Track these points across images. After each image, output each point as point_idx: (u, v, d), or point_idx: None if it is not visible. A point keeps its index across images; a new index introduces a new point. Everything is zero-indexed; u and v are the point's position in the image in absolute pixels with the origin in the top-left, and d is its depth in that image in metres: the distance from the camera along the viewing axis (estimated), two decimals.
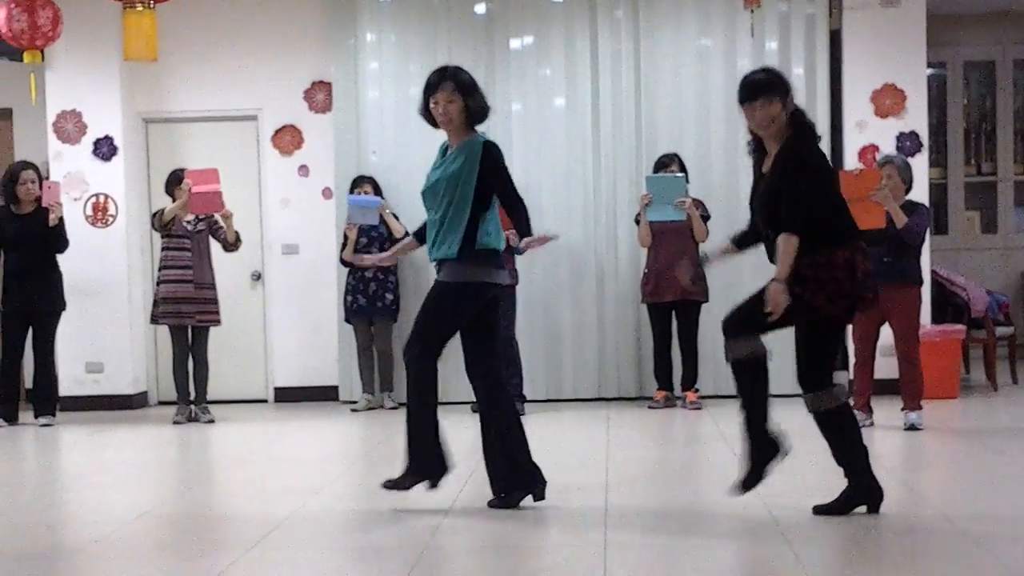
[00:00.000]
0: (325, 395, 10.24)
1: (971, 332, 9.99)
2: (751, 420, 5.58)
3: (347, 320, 9.92)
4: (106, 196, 10.22)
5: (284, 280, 10.40)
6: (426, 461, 5.88)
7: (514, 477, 5.84)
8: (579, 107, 10.00)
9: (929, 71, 10.41)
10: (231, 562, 4.96)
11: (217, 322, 9.48)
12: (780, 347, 6.27)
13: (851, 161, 9.76)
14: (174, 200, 9.27)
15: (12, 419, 9.42)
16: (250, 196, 10.33)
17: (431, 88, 5.84)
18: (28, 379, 9.94)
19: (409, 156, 10.05)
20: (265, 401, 10.49)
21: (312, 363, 10.35)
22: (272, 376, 10.46)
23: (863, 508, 5.57)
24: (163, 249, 9.43)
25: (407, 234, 9.64)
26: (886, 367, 8.54)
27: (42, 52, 8.96)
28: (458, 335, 5.92)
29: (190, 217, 9.32)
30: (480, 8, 10.12)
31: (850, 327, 8.52)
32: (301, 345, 10.40)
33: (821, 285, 5.38)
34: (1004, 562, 4.71)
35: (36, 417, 9.41)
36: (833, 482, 5.75)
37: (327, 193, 10.27)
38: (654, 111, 9.96)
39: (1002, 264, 12.48)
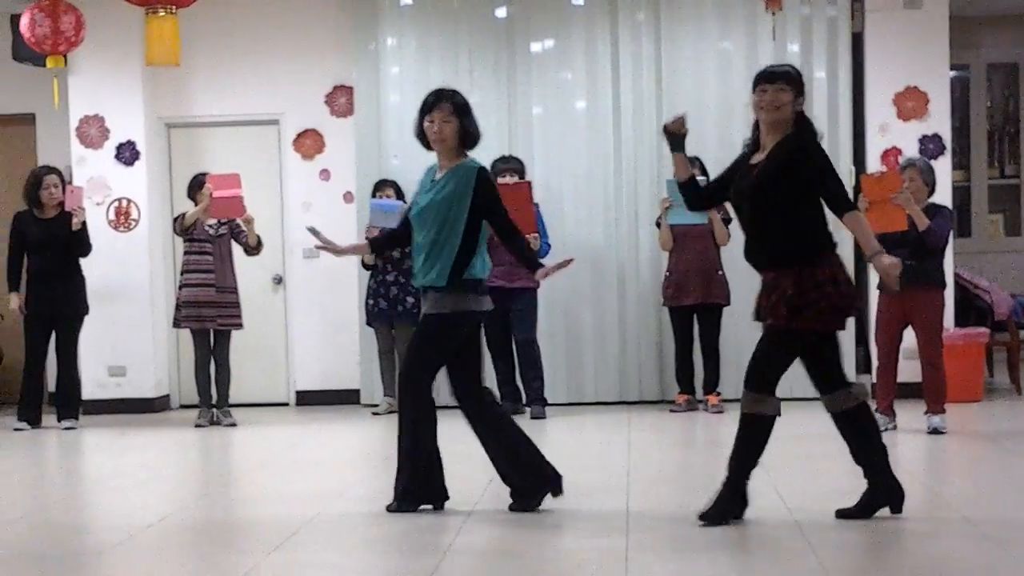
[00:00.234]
0: (346, 398, 10.25)
1: (995, 335, 9.94)
2: (733, 470, 5.51)
3: (368, 323, 9.93)
4: (129, 200, 10.26)
5: (305, 284, 10.41)
6: (430, 487, 5.91)
7: (529, 481, 5.84)
8: (600, 110, 9.99)
9: (952, 73, 10.36)
10: (253, 565, 4.97)
11: (239, 326, 9.50)
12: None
13: (874, 164, 9.73)
14: (196, 204, 9.30)
15: (35, 422, 9.46)
16: (272, 200, 10.35)
17: (428, 108, 5.87)
18: (51, 382, 9.98)
19: (430, 160, 10.02)
20: (287, 404, 10.51)
21: (333, 366, 10.36)
22: (294, 379, 10.48)
23: (886, 510, 5.54)
24: (185, 253, 9.46)
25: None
26: (909, 370, 8.49)
27: (65, 57, 9.02)
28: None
29: (212, 221, 9.34)
30: (501, 12, 10.13)
31: (872, 330, 8.53)
32: (322, 348, 10.41)
33: (818, 310, 5.41)
34: None
35: (59, 420, 9.44)
36: (855, 485, 5.73)
37: (348, 197, 10.29)
38: (675, 114, 9.91)
39: None
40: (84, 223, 9.39)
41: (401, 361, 6.00)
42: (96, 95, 10.24)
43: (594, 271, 9.99)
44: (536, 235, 9.22)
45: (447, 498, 5.94)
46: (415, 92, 10.07)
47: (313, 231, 6.07)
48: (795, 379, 10.00)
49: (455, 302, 5.77)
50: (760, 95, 5.46)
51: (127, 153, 10.26)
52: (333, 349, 10.34)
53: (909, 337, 8.12)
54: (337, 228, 10.18)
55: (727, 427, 8.57)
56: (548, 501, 5.86)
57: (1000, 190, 12.61)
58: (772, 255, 5.47)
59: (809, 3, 9.90)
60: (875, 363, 8.34)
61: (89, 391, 10.07)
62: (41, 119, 10.85)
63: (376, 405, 9.90)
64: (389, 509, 5.87)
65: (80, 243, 9.41)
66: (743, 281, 9.72)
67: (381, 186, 9.72)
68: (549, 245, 9.48)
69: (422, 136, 5.92)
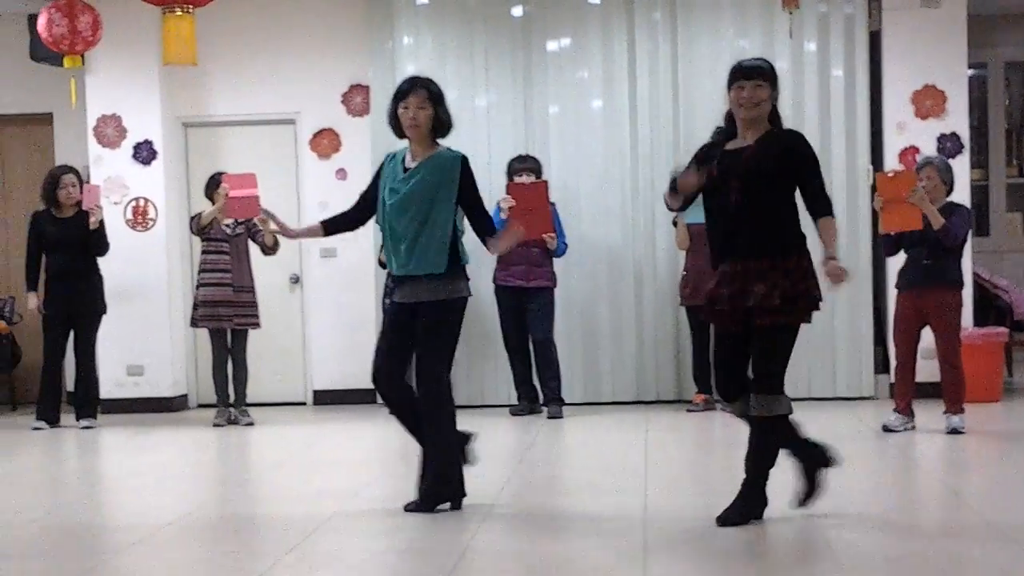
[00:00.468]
0: (363, 398, 10.23)
1: (1013, 335, 9.91)
2: (752, 472, 5.48)
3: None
4: (146, 200, 10.28)
5: (323, 283, 10.43)
6: (450, 486, 5.91)
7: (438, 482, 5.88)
8: (616, 109, 9.98)
9: (969, 72, 10.31)
10: (271, 564, 4.98)
11: (256, 325, 9.52)
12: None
13: (891, 163, 9.70)
14: (213, 204, 9.31)
15: (54, 421, 9.49)
16: (288, 199, 10.35)
17: (402, 94, 5.86)
18: (69, 382, 10.00)
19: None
20: (304, 404, 10.52)
21: (351, 366, 10.36)
22: (311, 379, 10.49)
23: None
24: (202, 253, 9.48)
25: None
26: (928, 370, 8.47)
27: (82, 57, 9.03)
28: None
29: (229, 221, 9.35)
30: (517, 11, 10.12)
31: (890, 330, 8.50)
32: (340, 348, 10.42)
33: (809, 300, 5.47)
34: None
35: (77, 419, 9.47)
36: (875, 486, 5.72)
37: None
38: (692, 113, 9.92)
39: None
40: (101, 222, 9.41)
41: (422, 357, 5.92)
42: (113, 94, 10.26)
43: (611, 270, 9.98)
44: (553, 235, 9.22)
45: (464, 495, 5.92)
46: None
47: (268, 214, 6.16)
48: (813, 378, 10.08)
49: (453, 287, 5.86)
50: (737, 92, 5.40)
51: (144, 152, 10.29)
52: (350, 348, 10.34)
53: (927, 337, 8.09)
54: None
55: (745, 427, 8.54)
56: (568, 503, 5.86)
57: (1018, 189, 12.55)
58: (766, 243, 5.38)
59: (826, 1, 9.87)
60: (893, 363, 8.31)
61: (107, 390, 10.10)
62: (59, 119, 10.88)
63: None
64: (408, 509, 5.87)
65: (98, 242, 9.44)
66: None
67: None
68: (566, 244, 9.48)
69: (394, 123, 5.90)
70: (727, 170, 5.35)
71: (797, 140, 5.50)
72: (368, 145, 10.22)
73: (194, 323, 9.54)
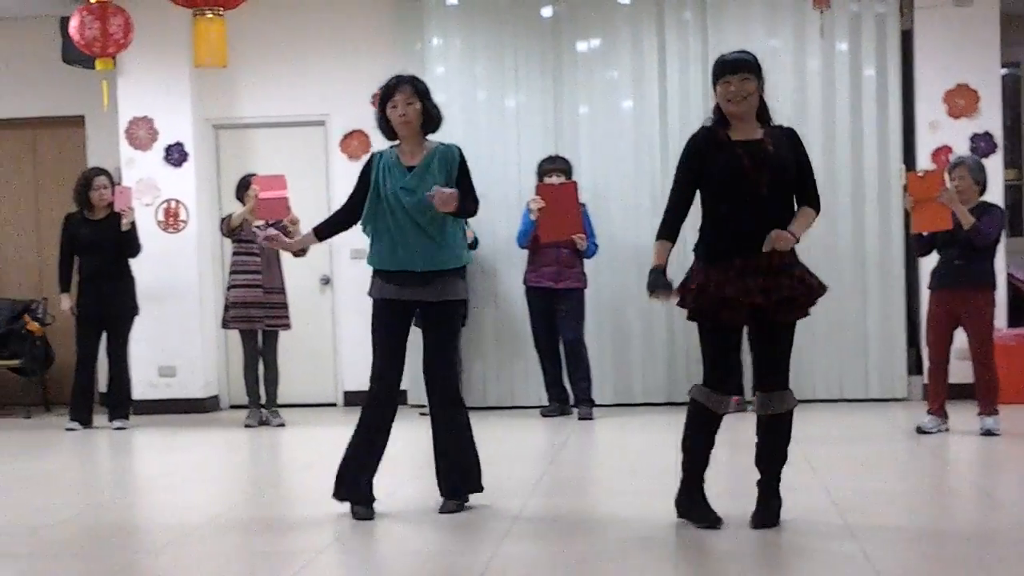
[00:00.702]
0: None
1: None
2: (770, 471, 5.47)
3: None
4: (177, 202, 10.33)
5: (353, 284, 10.42)
6: (479, 476, 6.02)
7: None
8: (647, 109, 9.95)
9: (1002, 71, 10.25)
10: (303, 565, 4.98)
11: (287, 326, 9.54)
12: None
13: (924, 163, 9.64)
14: (244, 205, 9.34)
15: (87, 422, 9.54)
16: (318, 201, 10.37)
17: (389, 92, 5.83)
18: (102, 383, 10.06)
19: (475, 160, 10.02)
20: (334, 405, 10.54)
21: None
22: (341, 380, 10.51)
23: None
24: (233, 254, 9.52)
25: (476, 241, 9.74)
26: (961, 371, 8.42)
27: (114, 59, 9.08)
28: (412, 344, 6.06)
29: (259, 222, 9.38)
30: (547, 11, 10.11)
31: (923, 331, 8.44)
32: (370, 349, 10.39)
33: (822, 291, 5.43)
34: None
35: (110, 420, 9.52)
36: (906, 487, 5.68)
37: None
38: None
39: None
40: (133, 224, 9.46)
41: (441, 356, 6.05)
42: (145, 97, 10.31)
43: (641, 271, 9.84)
44: (583, 236, 9.20)
45: (481, 489, 6.04)
46: (461, 92, 10.13)
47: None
48: (845, 380, 10.03)
49: (462, 286, 5.95)
50: (725, 87, 5.32)
51: (175, 154, 10.33)
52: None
53: (961, 338, 8.04)
54: None
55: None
56: (599, 504, 5.84)
57: None
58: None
59: (858, 0, 9.82)
60: (926, 364, 8.26)
61: (139, 391, 10.14)
62: (90, 121, 10.94)
63: (424, 406, 9.88)
64: (444, 511, 5.85)
65: (130, 244, 9.48)
66: None
67: None
68: (596, 245, 9.47)
69: (384, 125, 5.87)
70: (757, 162, 5.25)
71: (797, 138, 5.47)
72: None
73: (225, 324, 9.57)
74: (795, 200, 5.41)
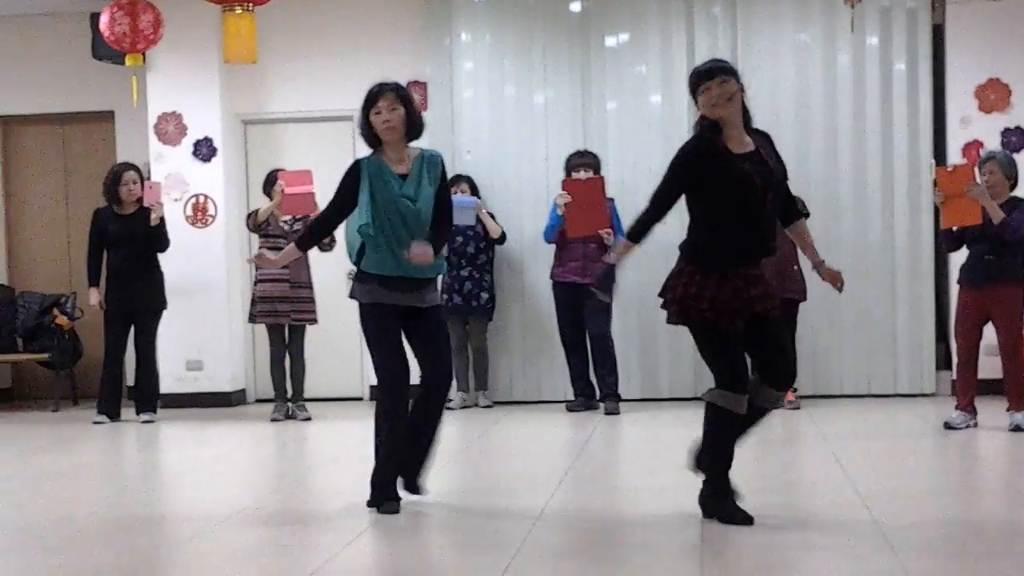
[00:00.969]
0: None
1: None
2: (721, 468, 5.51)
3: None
4: (205, 197, 10.36)
5: None
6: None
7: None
8: (675, 105, 9.91)
9: None
10: (328, 558, 4.99)
11: (313, 321, 9.55)
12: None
13: (955, 157, 9.58)
14: (271, 201, 9.36)
15: (114, 416, 9.58)
16: None
17: (373, 99, 5.84)
18: (130, 377, 10.11)
19: (504, 155, 10.07)
20: (361, 399, 10.56)
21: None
22: (367, 374, 10.50)
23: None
24: (260, 249, 9.52)
25: (503, 236, 9.74)
26: (990, 367, 8.35)
27: (143, 55, 9.12)
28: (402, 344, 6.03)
29: (286, 217, 9.40)
30: (575, 6, 10.09)
31: (952, 326, 8.39)
32: None
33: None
34: None
35: (138, 414, 9.57)
36: (937, 484, 5.64)
37: None
38: (752, 109, 9.81)
39: None
40: (162, 218, 9.50)
41: (442, 359, 6.08)
42: (174, 92, 10.35)
43: (668, 265, 9.77)
44: (610, 231, 9.19)
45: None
46: (488, 88, 10.13)
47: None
48: (873, 375, 9.98)
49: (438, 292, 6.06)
50: (707, 94, 5.33)
51: (204, 149, 10.37)
52: (406, 344, 10.32)
53: (990, 333, 7.98)
54: None
55: (804, 423, 8.49)
56: (625, 499, 5.82)
57: None
58: (774, 247, 5.48)
59: None
60: (955, 360, 8.21)
61: (167, 385, 10.19)
62: (120, 116, 11.00)
63: (449, 400, 9.89)
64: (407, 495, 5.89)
65: (158, 238, 9.52)
66: (818, 277, 9.62)
67: (456, 181, 9.72)
68: None
69: (367, 131, 5.88)
70: (766, 181, 5.30)
71: (772, 142, 5.53)
72: (426, 141, 10.17)
73: (252, 319, 9.59)
74: (783, 208, 5.50)
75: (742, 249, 5.32)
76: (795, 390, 9.28)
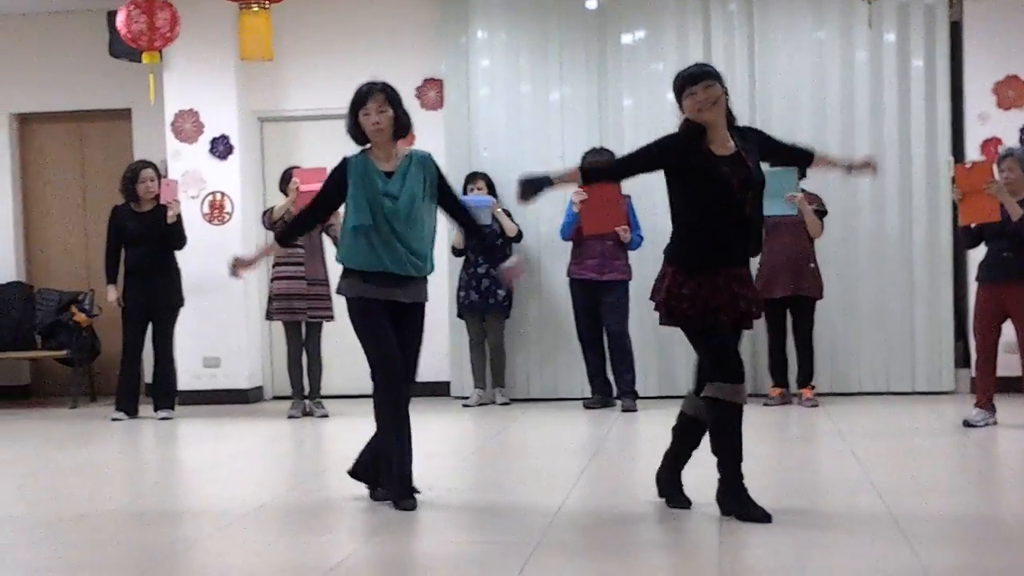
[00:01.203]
0: (437, 390, 10.27)
1: None
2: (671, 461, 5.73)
3: (459, 315, 9.95)
4: (222, 194, 10.38)
5: None
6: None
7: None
8: None
9: None
10: (348, 554, 4.99)
11: (330, 318, 9.56)
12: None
13: (973, 154, 9.55)
14: (288, 198, 9.37)
15: (132, 413, 9.61)
16: None
17: (361, 100, 5.89)
18: (148, 374, 10.13)
19: (520, 153, 10.06)
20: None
21: (424, 358, 10.26)
22: None
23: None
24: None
25: (520, 234, 9.73)
26: (1009, 364, 8.33)
27: (160, 53, 9.13)
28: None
29: None
30: (591, 3, 10.08)
31: (971, 324, 8.36)
32: None
33: None
34: None
35: (155, 411, 9.59)
36: (955, 481, 5.62)
37: None
38: (769, 106, 9.83)
39: None
40: (179, 216, 9.52)
41: (414, 354, 6.20)
42: (191, 90, 10.38)
43: None
44: (627, 227, 9.19)
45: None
46: (505, 85, 10.13)
47: (234, 275, 6.25)
48: (892, 373, 9.94)
49: (427, 290, 6.07)
50: (692, 98, 5.42)
51: (221, 147, 10.38)
52: (424, 341, 10.32)
53: (1009, 331, 7.95)
54: None
55: (822, 421, 8.47)
56: (642, 497, 5.82)
57: None
58: (757, 249, 5.53)
59: None
60: (974, 357, 8.19)
61: (184, 382, 10.21)
62: (137, 114, 11.02)
63: (467, 397, 9.92)
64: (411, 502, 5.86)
65: (175, 236, 9.54)
66: (836, 274, 9.63)
67: (473, 179, 9.72)
68: (641, 237, 9.44)
69: (355, 131, 5.94)
70: (745, 184, 5.36)
71: (755, 132, 5.69)
72: (442, 139, 10.23)
73: (269, 316, 9.61)
74: (791, 162, 5.82)
75: (723, 250, 5.39)
76: (813, 387, 9.26)
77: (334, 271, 9.63)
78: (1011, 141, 9.41)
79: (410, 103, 10.20)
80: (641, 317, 9.83)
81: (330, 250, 9.59)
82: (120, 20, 8.83)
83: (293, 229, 6.37)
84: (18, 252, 11.36)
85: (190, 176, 10.34)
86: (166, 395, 9.65)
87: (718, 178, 5.32)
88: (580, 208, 9.03)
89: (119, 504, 6.31)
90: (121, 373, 9.67)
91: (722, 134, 5.44)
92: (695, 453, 5.73)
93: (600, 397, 9.52)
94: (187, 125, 10.40)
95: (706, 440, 5.65)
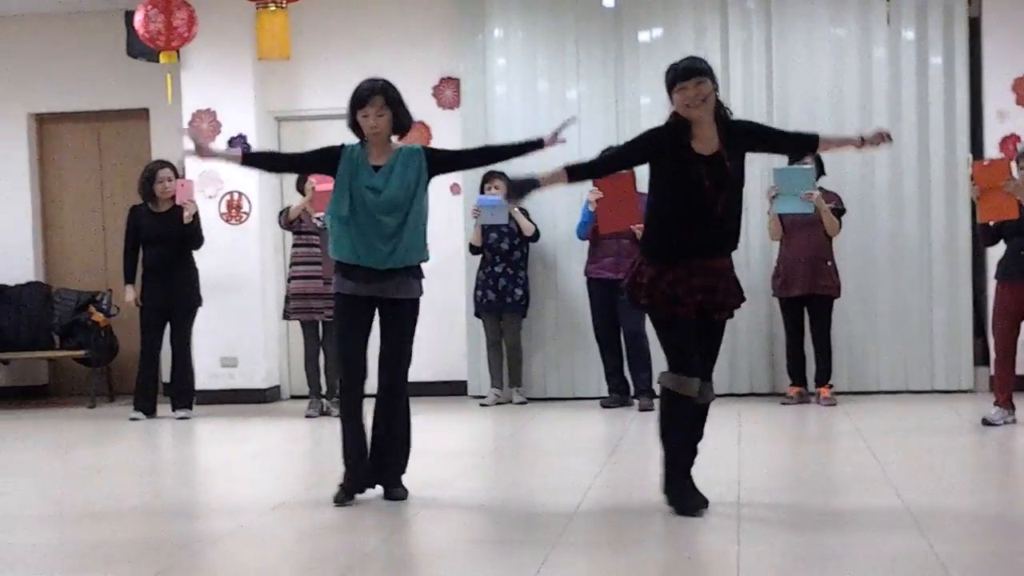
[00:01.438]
0: (454, 390, 10.27)
1: None
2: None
3: (476, 315, 9.95)
4: (240, 194, 10.39)
5: None
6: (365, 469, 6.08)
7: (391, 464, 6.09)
8: None
9: None
10: (366, 552, 5.00)
11: None
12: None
13: (992, 151, 9.50)
14: (304, 197, 9.37)
15: (150, 412, 9.63)
16: None
17: (361, 102, 5.96)
18: (166, 373, 10.15)
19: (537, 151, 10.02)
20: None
21: (441, 358, 10.38)
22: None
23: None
24: (294, 246, 9.56)
25: (537, 233, 9.73)
26: None
27: (178, 53, 9.16)
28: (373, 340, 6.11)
29: (319, 214, 9.39)
30: (608, 1, 10.05)
31: (991, 322, 8.32)
32: (430, 340, 10.38)
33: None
34: None
35: (173, 410, 9.60)
36: (974, 480, 5.59)
37: (455, 189, 10.29)
38: (786, 103, 9.80)
39: None
40: (196, 216, 9.53)
41: (395, 351, 6.15)
42: (208, 89, 10.39)
43: None
44: (642, 226, 9.15)
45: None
46: (521, 83, 10.11)
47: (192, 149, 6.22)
48: (910, 371, 9.91)
49: (420, 285, 6.09)
50: (682, 93, 5.44)
51: (238, 146, 10.39)
52: (441, 341, 10.36)
53: None
54: (445, 220, 10.22)
55: (840, 420, 8.44)
56: (659, 497, 5.80)
57: None
58: (733, 244, 5.59)
59: None
60: (993, 355, 8.15)
61: (201, 382, 10.22)
62: (155, 114, 11.03)
63: (484, 397, 9.91)
64: (340, 495, 5.95)
65: (192, 236, 9.56)
66: (854, 272, 9.59)
67: (489, 178, 9.70)
68: None
69: (355, 128, 6.01)
70: (717, 183, 5.41)
71: (741, 126, 5.68)
72: (459, 137, 10.23)
73: (286, 316, 9.62)
74: (790, 151, 5.59)
75: (689, 244, 5.44)
76: (831, 386, 9.23)
77: None
78: None
79: (427, 102, 10.36)
80: None
81: None
82: (138, 20, 8.85)
83: (264, 157, 6.38)
84: (36, 252, 11.39)
85: (207, 176, 10.35)
86: (184, 395, 9.67)
87: (692, 177, 5.39)
88: (596, 207, 9.01)
89: (137, 503, 6.32)
90: (139, 373, 9.69)
91: (707, 132, 5.47)
92: (699, 450, 5.72)
93: (617, 396, 9.50)
94: (204, 124, 10.41)
95: (706, 439, 5.69)
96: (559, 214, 9.94)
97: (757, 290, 9.73)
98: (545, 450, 7.93)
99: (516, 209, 9.64)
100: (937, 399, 9.33)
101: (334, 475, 7.29)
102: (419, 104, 10.27)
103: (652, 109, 9.95)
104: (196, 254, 9.67)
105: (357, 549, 5.09)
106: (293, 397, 10.58)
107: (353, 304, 6.00)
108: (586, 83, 10.07)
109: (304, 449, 8.41)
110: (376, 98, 5.94)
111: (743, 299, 5.68)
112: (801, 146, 5.81)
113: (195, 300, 9.69)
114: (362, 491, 6.03)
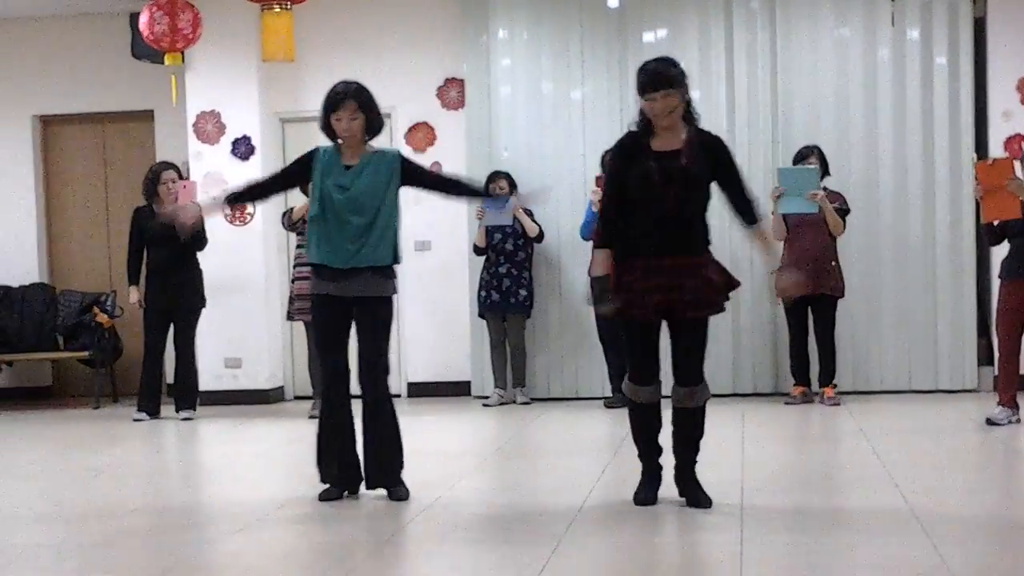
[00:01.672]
0: (457, 390, 10.28)
1: None
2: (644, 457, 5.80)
3: (480, 315, 9.95)
4: None
5: (417, 276, 10.45)
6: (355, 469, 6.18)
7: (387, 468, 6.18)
8: (714, 100, 9.86)
9: None
10: (369, 553, 5.00)
11: None
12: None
13: (996, 151, 9.49)
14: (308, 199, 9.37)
15: (154, 413, 9.63)
16: None
17: (334, 106, 5.99)
18: (170, 374, 10.16)
19: (541, 151, 10.05)
20: (398, 396, 10.51)
21: (445, 358, 10.39)
22: (405, 371, 10.53)
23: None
24: (297, 247, 9.55)
25: (541, 233, 9.74)
26: None
27: (182, 54, 9.16)
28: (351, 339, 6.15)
29: None
30: (613, 2, 10.05)
31: (995, 321, 8.32)
32: (434, 340, 10.45)
33: (732, 287, 5.65)
34: None
35: (177, 411, 9.61)
36: (979, 481, 5.58)
37: None
38: (791, 103, 9.80)
39: None
40: (200, 217, 9.51)
41: (369, 351, 6.13)
42: (212, 91, 10.40)
43: None
44: None
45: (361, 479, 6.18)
46: (526, 84, 10.11)
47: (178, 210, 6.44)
48: (914, 371, 9.90)
49: (394, 284, 6.09)
50: (650, 103, 5.45)
51: (243, 148, 10.40)
52: (444, 341, 10.37)
53: None
54: (449, 220, 10.24)
55: (844, 420, 8.43)
56: (662, 497, 5.80)
57: None
58: (695, 242, 5.53)
59: None
60: (997, 355, 8.14)
61: (205, 382, 10.23)
62: (159, 115, 11.05)
63: (487, 397, 9.92)
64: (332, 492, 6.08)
65: (197, 238, 9.56)
66: (858, 272, 9.58)
67: (494, 178, 9.70)
68: None
69: (327, 130, 6.05)
70: (667, 177, 5.40)
71: (720, 146, 5.61)
72: (463, 138, 10.24)
73: (290, 316, 9.62)
74: (733, 206, 5.58)
75: (642, 239, 5.45)
76: (835, 386, 9.22)
77: None
78: None
79: (432, 103, 10.37)
80: None
81: None
82: (142, 22, 8.87)
83: (245, 192, 6.38)
84: (40, 253, 11.41)
85: (212, 177, 10.35)
86: (188, 395, 9.68)
87: (640, 172, 5.41)
88: (598, 207, 9.01)
89: (141, 504, 6.33)
90: (143, 374, 9.70)
91: (669, 131, 5.49)
92: (701, 448, 5.73)
93: (620, 396, 9.46)
94: (209, 126, 10.43)
95: (708, 437, 5.75)
96: (563, 214, 9.95)
97: (761, 290, 9.73)
98: (548, 450, 7.93)
99: (520, 210, 9.65)
100: (941, 399, 9.33)
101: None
102: (423, 105, 10.38)
103: None
104: (200, 255, 9.68)
105: (360, 551, 5.09)
106: (297, 398, 10.58)
107: (328, 304, 6.03)
108: (590, 84, 10.06)
109: (307, 450, 8.39)
110: (349, 102, 5.99)
111: (727, 297, 5.61)
112: (741, 212, 5.64)
113: (199, 301, 9.70)
114: (353, 490, 6.08)
